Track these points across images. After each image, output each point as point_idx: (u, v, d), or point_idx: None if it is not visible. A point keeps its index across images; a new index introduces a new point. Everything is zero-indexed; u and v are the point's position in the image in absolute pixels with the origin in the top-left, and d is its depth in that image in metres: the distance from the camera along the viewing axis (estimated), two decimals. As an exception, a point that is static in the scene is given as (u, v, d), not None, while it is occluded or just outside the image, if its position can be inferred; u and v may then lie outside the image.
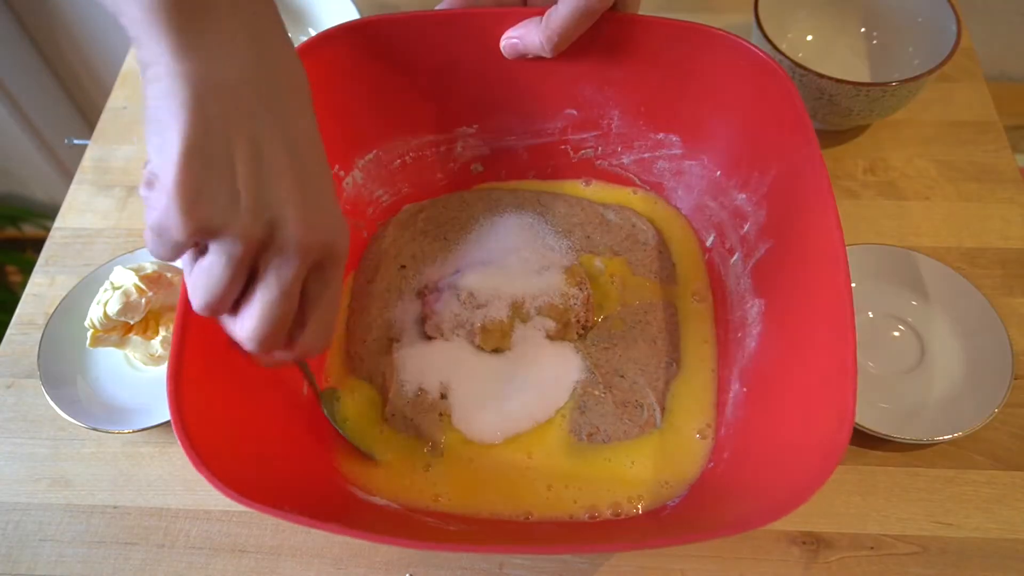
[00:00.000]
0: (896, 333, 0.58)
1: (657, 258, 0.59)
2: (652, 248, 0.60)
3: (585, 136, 0.60)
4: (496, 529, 0.48)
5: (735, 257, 0.55)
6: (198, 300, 0.34)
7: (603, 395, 0.53)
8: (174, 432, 0.38)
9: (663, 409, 0.52)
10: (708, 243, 0.59)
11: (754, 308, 0.52)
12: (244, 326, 0.35)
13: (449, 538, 0.44)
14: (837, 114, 0.64)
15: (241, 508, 0.52)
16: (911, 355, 0.57)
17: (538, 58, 0.51)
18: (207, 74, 0.31)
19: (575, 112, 0.58)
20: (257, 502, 0.36)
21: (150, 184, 0.32)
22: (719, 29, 0.50)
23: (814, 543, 0.50)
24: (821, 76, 0.60)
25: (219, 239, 0.32)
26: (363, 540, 0.36)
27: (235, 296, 0.34)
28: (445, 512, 0.49)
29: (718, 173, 0.57)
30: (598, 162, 0.62)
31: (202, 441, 0.38)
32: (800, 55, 0.71)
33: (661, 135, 0.58)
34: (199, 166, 0.31)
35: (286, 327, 0.36)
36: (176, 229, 0.31)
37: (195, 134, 0.31)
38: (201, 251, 0.33)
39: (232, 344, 0.36)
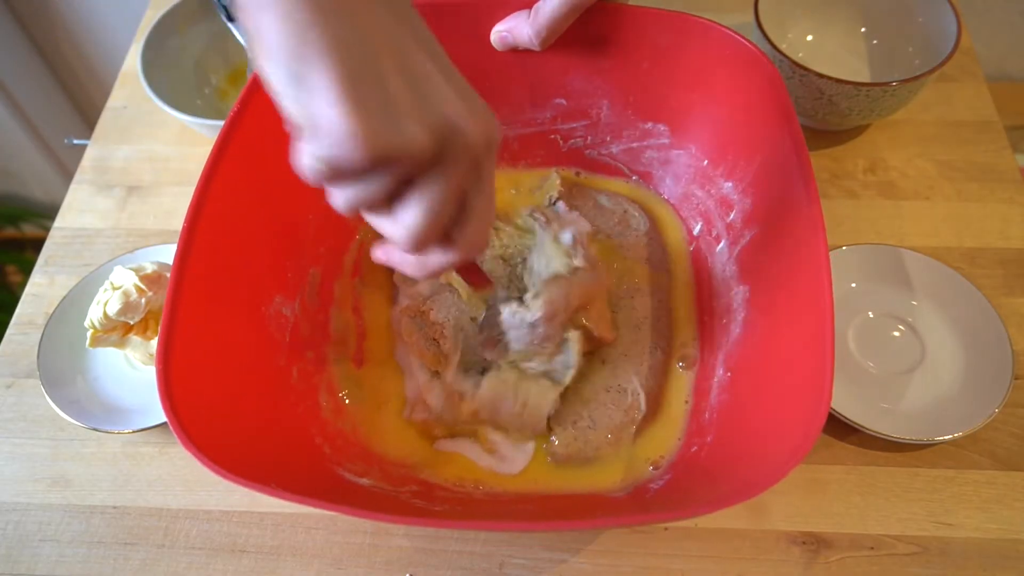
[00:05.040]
0: (896, 333, 0.58)
1: (647, 244, 0.60)
2: (643, 234, 0.60)
3: (575, 125, 0.60)
4: (481, 508, 0.49)
5: (721, 245, 0.56)
6: (408, 235, 0.32)
7: (586, 381, 0.53)
8: (169, 425, 0.38)
9: (647, 394, 0.53)
10: (695, 231, 0.60)
11: (739, 295, 0.52)
12: (403, 223, 0.32)
13: (435, 516, 0.44)
14: (837, 114, 0.64)
15: (241, 508, 0.52)
16: (911, 355, 0.57)
17: (528, 49, 0.51)
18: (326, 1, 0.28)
19: (565, 102, 0.58)
20: (244, 478, 0.36)
21: (301, 133, 0.29)
22: (706, 19, 0.50)
23: (814, 543, 0.50)
24: (821, 76, 0.60)
25: (393, 165, 0.30)
26: (349, 515, 0.36)
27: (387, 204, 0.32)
28: (432, 483, 0.50)
29: (705, 162, 0.57)
30: (587, 151, 0.62)
31: (192, 422, 0.39)
32: (800, 55, 0.71)
33: (649, 124, 0.58)
34: (363, 93, 0.28)
35: (445, 226, 0.34)
36: (355, 161, 0.28)
37: (345, 61, 0.28)
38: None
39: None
